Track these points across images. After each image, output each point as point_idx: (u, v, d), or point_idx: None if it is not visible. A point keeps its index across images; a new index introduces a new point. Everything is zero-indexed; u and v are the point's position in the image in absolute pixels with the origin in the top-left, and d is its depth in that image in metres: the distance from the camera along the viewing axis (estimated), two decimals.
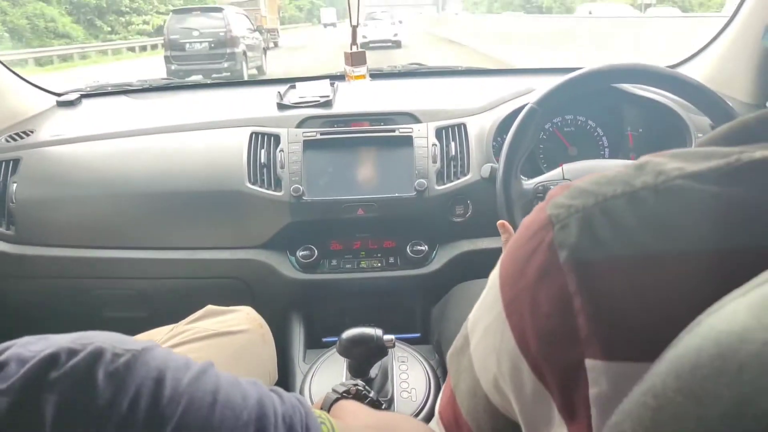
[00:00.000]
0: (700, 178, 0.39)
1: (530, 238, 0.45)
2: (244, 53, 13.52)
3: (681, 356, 0.31)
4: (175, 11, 14.43)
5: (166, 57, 13.24)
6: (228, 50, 13.10)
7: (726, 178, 0.38)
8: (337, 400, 0.84)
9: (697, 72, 1.73)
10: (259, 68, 15.11)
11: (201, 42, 13.12)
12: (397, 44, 21.63)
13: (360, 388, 0.89)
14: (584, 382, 0.40)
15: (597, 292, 0.40)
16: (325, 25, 44.18)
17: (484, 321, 0.52)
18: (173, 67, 12.89)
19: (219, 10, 14.01)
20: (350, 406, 0.81)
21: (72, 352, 0.45)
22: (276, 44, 25.73)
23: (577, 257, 0.41)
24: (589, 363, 0.39)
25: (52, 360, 0.44)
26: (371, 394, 0.90)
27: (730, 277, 0.33)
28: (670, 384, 0.30)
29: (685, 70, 1.82)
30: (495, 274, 0.50)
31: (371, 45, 20.52)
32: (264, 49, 15.82)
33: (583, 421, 0.40)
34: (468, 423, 0.58)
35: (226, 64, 13.00)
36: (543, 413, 0.45)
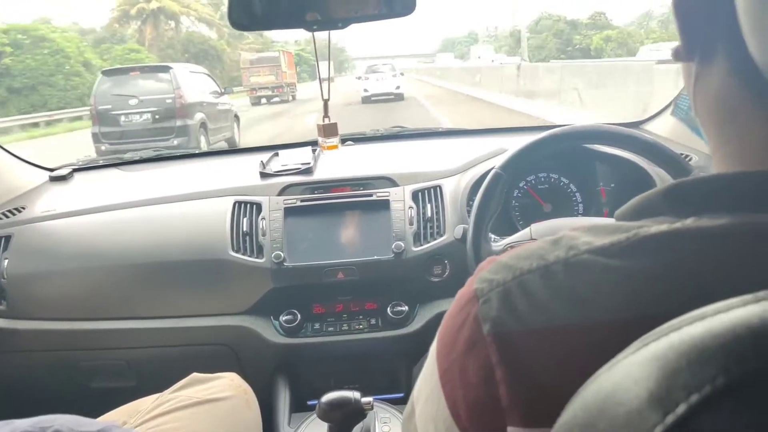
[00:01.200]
0: (603, 252, 0.43)
1: (460, 310, 0.49)
2: (203, 125, 10.33)
3: (566, 422, 0.35)
4: (106, 72, 10.73)
5: (94, 134, 9.97)
6: (178, 123, 9.81)
7: (624, 252, 0.42)
8: None
9: (663, 127, 1.80)
10: (230, 140, 11.85)
11: (141, 113, 9.95)
12: (399, 97, 21.24)
13: None
14: None
15: (516, 362, 0.43)
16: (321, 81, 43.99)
17: (425, 390, 0.55)
18: (104, 147, 9.64)
19: (165, 69, 10.37)
20: None
21: None
22: (294, 97, 27.05)
23: (497, 330, 0.44)
24: (511, 430, 0.42)
25: None
26: None
27: (629, 343, 0.36)
28: None
29: (653, 126, 1.89)
30: (434, 345, 0.54)
31: (373, 98, 20.42)
32: (236, 115, 12.47)
33: None
34: None
35: (176, 141, 9.69)
36: None
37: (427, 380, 0.54)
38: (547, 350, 0.42)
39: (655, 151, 1.33)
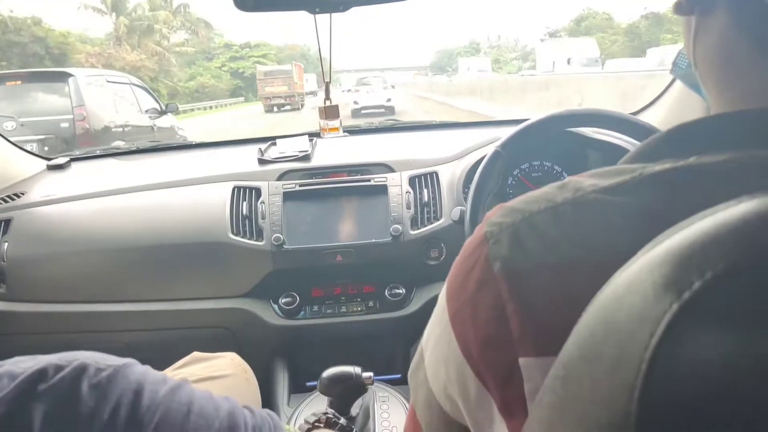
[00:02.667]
0: (610, 191, 0.45)
1: (470, 254, 0.51)
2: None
3: (580, 328, 0.37)
4: None
5: None
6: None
7: (630, 190, 0.45)
8: (309, 430, 0.88)
9: (653, 117, 1.83)
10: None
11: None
12: (390, 110, 20.44)
13: (330, 416, 0.93)
14: (518, 380, 0.45)
15: (526, 296, 0.45)
16: (306, 94, 38.89)
17: (434, 334, 0.57)
18: None
19: (62, 77, 6.96)
20: None
21: (58, 368, 0.51)
22: (303, 105, 28.67)
23: (508, 267, 0.46)
24: (522, 361, 0.44)
25: (40, 374, 0.50)
26: (341, 421, 0.94)
27: None
28: (573, 353, 0.36)
29: (643, 117, 1.92)
30: (443, 291, 0.56)
31: (363, 112, 19.86)
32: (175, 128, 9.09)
33: (520, 417, 0.45)
34: None
35: None
36: (486, 414, 0.50)
37: (436, 325, 0.56)
38: (557, 284, 0.44)
39: (648, 134, 1.36)
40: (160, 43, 42.28)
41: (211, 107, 34.28)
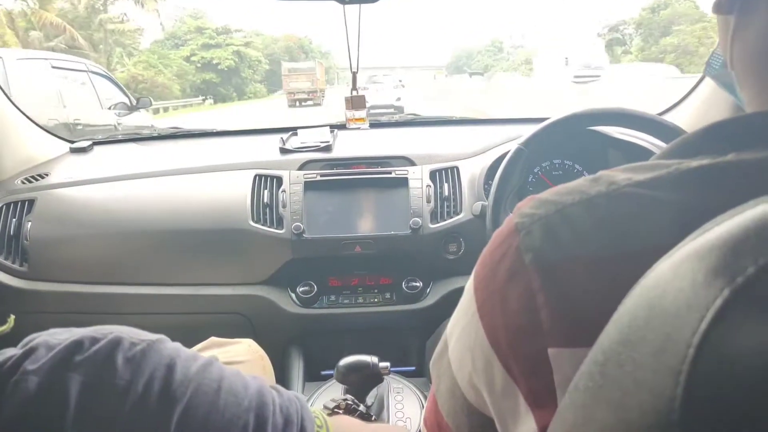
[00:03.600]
0: (645, 186, 0.45)
1: (500, 244, 0.51)
2: None
3: (621, 314, 0.37)
4: None
5: None
6: None
7: (666, 185, 0.45)
8: (329, 415, 0.89)
9: (679, 118, 1.82)
10: None
11: None
12: (399, 110, 19.00)
13: (349, 402, 0.94)
14: (547, 370, 0.45)
15: (558, 288, 0.45)
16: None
17: (460, 324, 0.57)
18: None
19: None
20: (342, 419, 0.86)
21: (94, 340, 0.51)
22: (321, 103, 28.92)
23: (540, 259, 0.46)
24: (551, 352, 0.45)
25: (76, 346, 0.50)
26: (360, 407, 0.95)
27: None
28: (614, 338, 0.36)
29: (669, 117, 1.91)
30: (470, 281, 0.56)
31: (372, 111, 19.03)
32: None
33: (548, 407, 0.45)
34: (449, 425, 0.62)
35: None
36: (511, 404, 0.50)
37: (463, 315, 0.56)
38: (590, 276, 0.44)
39: (673, 134, 1.35)
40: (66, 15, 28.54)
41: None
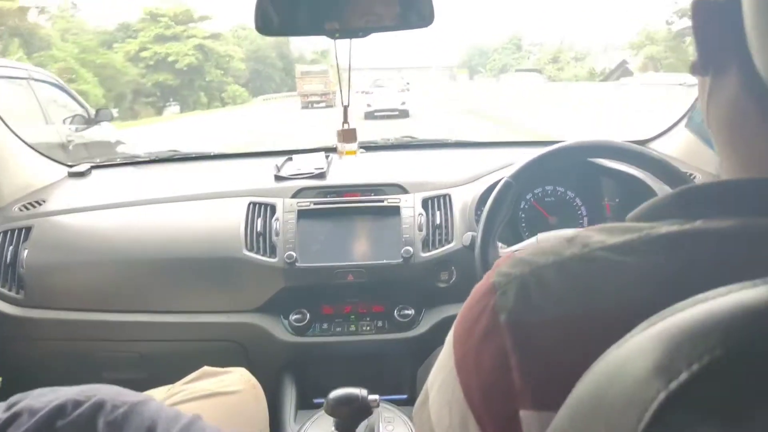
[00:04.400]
0: (616, 250, 0.46)
1: (478, 301, 0.52)
2: None
3: (574, 397, 0.38)
4: None
5: None
6: None
7: (636, 250, 0.45)
8: None
9: (669, 146, 1.84)
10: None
11: None
12: (404, 114, 19.95)
13: None
14: (518, 431, 0.46)
15: (529, 349, 0.46)
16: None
17: (440, 377, 0.58)
18: None
19: None
20: None
21: (77, 404, 0.53)
22: (333, 104, 28.99)
23: (513, 319, 0.47)
24: (522, 414, 0.45)
25: (59, 411, 0.52)
26: None
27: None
28: (566, 421, 0.37)
29: (658, 144, 1.93)
30: (450, 335, 0.57)
31: (376, 114, 19.56)
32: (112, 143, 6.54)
33: None
34: None
35: None
36: None
37: (442, 368, 0.57)
38: (560, 338, 0.45)
39: (662, 168, 1.37)
40: None
41: None
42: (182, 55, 32.92)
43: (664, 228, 0.46)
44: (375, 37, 1.30)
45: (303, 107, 29.73)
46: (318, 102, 30.25)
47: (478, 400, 0.50)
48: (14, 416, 0.50)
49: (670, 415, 0.30)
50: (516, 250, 1.39)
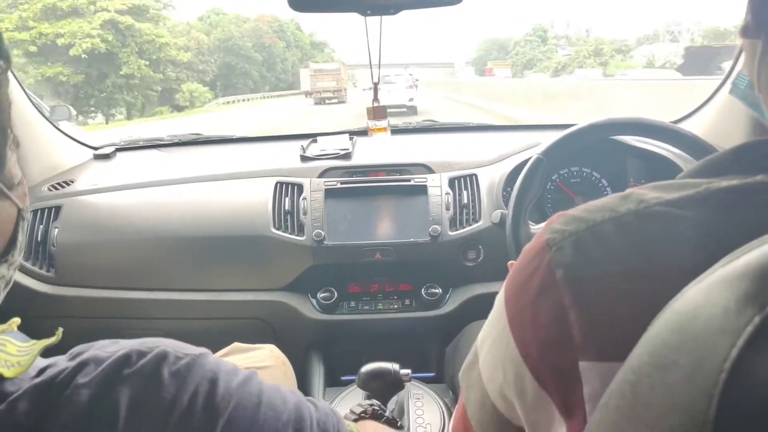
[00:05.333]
0: (675, 205, 0.46)
1: (531, 259, 0.52)
2: None
3: (651, 336, 0.38)
4: None
5: None
6: None
7: (696, 204, 0.46)
8: (355, 420, 0.90)
9: (695, 127, 1.82)
10: None
11: None
12: (412, 110, 19.89)
13: (376, 407, 0.95)
14: (578, 382, 0.46)
15: (588, 304, 0.46)
16: (307, 95, 35.59)
17: (491, 336, 0.58)
18: None
19: None
20: (370, 425, 0.88)
21: (141, 354, 0.53)
22: (345, 100, 30.55)
23: (571, 275, 0.48)
24: (582, 365, 0.46)
25: (125, 359, 0.52)
26: (387, 413, 0.96)
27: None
28: (645, 360, 0.37)
29: (686, 125, 1.91)
30: (500, 295, 0.58)
31: None
32: None
33: (579, 418, 0.47)
34: None
35: None
36: (543, 415, 0.51)
37: (494, 327, 0.58)
38: (620, 293, 0.45)
39: (694, 144, 1.36)
40: None
41: None
42: (81, 36, 22.01)
43: (724, 183, 0.46)
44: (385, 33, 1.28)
45: (316, 103, 31.11)
46: (330, 98, 31.56)
47: (536, 355, 0.50)
48: (81, 365, 0.51)
49: (766, 339, 0.30)
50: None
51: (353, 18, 1.33)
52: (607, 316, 0.45)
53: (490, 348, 0.58)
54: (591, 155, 1.72)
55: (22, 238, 0.58)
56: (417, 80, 23.48)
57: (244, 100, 37.18)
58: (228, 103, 34.32)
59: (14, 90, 1.69)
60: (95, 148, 2.08)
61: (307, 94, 35.61)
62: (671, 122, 1.97)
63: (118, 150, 2.09)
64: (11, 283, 0.60)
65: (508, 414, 0.58)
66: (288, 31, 53.15)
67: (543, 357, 0.50)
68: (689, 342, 0.34)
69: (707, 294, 0.35)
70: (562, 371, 0.48)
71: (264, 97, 40.99)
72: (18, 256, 0.59)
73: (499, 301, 0.57)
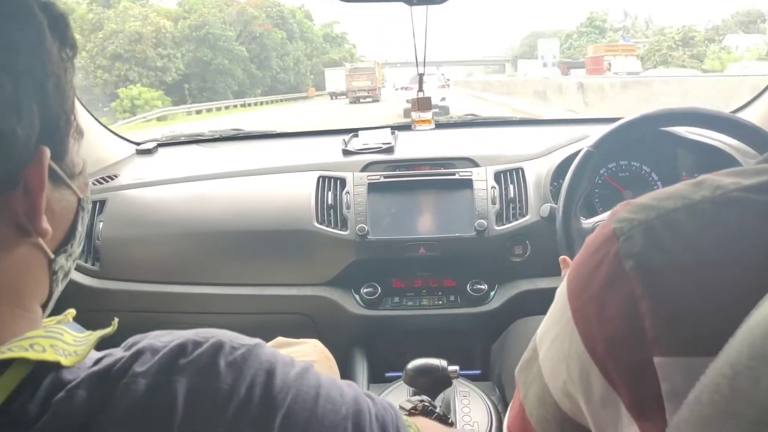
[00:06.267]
0: (754, 190, 0.44)
1: (596, 251, 0.50)
2: None
3: (752, 328, 0.36)
4: None
5: None
6: None
7: None
8: (406, 416, 0.88)
9: (754, 116, 1.76)
10: None
11: None
12: (444, 110, 18.92)
13: (426, 404, 0.93)
14: (652, 379, 0.44)
15: (662, 295, 0.44)
16: (333, 96, 35.75)
17: (552, 331, 0.56)
18: None
19: None
20: (421, 421, 0.85)
21: (197, 343, 0.52)
22: (379, 99, 30.64)
23: (642, 265, 0.45)
24: (658, 361, 0.43)
25: (181, 349, 0.51)
26: (437, 410, 0.94)
27: None
28: (744, 352, 0.35)
29: (743, 115, 1.85)
30: (562, 288, 0.55)
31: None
32: None
33: (654, 418, 0.44)
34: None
35: None
36: (611, 414, 0.49)
37: (556, 322, 0.55)
38: (698, 284, 0.43)
39: (757, 137, 1.30)
40: None
41: None
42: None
43: None
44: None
45: (351, 102, 31.34)
46: (365, 97, 31.59)
47: (602, 350, 0.48)
48: (137, 354, 0.50)
49: None
50: (600, 221, 1.35)
51: (384, 13, 1.30)
52: (687, 309, 0.43)
53: (552, 343, 0.56)
54: (640, 148, 1.68)
55: (81, 229, 0.58)
56: (448, 80, 23.48)
57: (216, 109, 27.75)
58: (189, 114, 24.96)
59: None
60: (137, 144, 2.10)
61: (333, 95, 35.96)
62: (730, 112, 1.91)
63: (159, 145, 2.11)
64: (69, 275, 0.60)
65: (572, 412, 0.55)
66: (291, 19, 43.44)
67: (611, 352, 0.47)
68: None
69: None
70: (633, 367, 0.45)
71: (248, 105, 31.44)
72: (77, 248, 0.59)
73: (561, 295, 0.55)
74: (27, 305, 0.53)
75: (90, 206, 0.60)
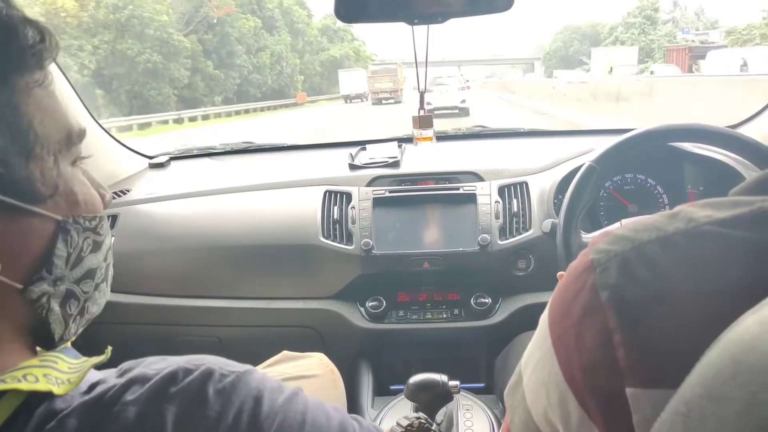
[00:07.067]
0: (726, 224, 0.44)
1: (575, 280, 0.51)
2: None
3: (705, 366, 0.36)
4: None
5: None
6: None
7: (749, 224, 0.44)
8: None
9: (755, 131, 1.75)
10: None
11: None
12: (464, 112, 19.70)
13: (422, 420, 0.94)
14: (625, 410, 0.44)
15: (635, 327, 0.45)
16: (347, 99, 36.19)
17: (535, 357, 0.57)
18: None
19: None
20: None
21: (187, 371, 0.54)
22: (401, 100, 31.44)
23: (616, 297, 0.46)
24: (629, 391, 0.44)
25: (171, 377, 0.53)
26: (434, 427, 0.95)
27: (751, 306, 0.38)
28: (697, 391, 0.36)
29: (744, 131, 1.84)
30: (544, 315, 0.56)
31: (436, 112, 18.46)
32: None
33: None
34: None
35: None
36: None
37: (538, 348, 0.56)
38: (669, 316, 0.43)
39: (755, 151, 1.30)
40: None
41: None
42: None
43: None
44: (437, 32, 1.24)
45: (374, 103, 32.11)
46: (388, 98, 32.14)
47: (579, 379, 0.48)
48: (129, 383, 0.52)
49: None
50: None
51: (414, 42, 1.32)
52: (656, 340, 0.44)
53: (534, 369, 0.57)
54: (646, 162, 1.68)
55: (64, 252, 0.57)
56: (468, 81, 23.39)
57: (145, 125, 20.31)
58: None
59: (72, 99, 1.75)
60: (150, 157, 2.13)
61: (347, 98, 36.17)
62: (733, 125, 1.91)
63: (172, 159, 2.15)
64: (72, 297, 0.60)
65: None
66: (271, 3, 35.02)
67: (587, 381, 0.48)
68: (744, 375, 0.32)
69: (763, 325, 0.34)
70: (608, 397, 0.46)
71: (201, 118, 23.30)
72: (66, 270, 0.58)
73: (543, 321, 0.56)
74: (8, 336, 0.55)
75: (77, 226, 0.60)
